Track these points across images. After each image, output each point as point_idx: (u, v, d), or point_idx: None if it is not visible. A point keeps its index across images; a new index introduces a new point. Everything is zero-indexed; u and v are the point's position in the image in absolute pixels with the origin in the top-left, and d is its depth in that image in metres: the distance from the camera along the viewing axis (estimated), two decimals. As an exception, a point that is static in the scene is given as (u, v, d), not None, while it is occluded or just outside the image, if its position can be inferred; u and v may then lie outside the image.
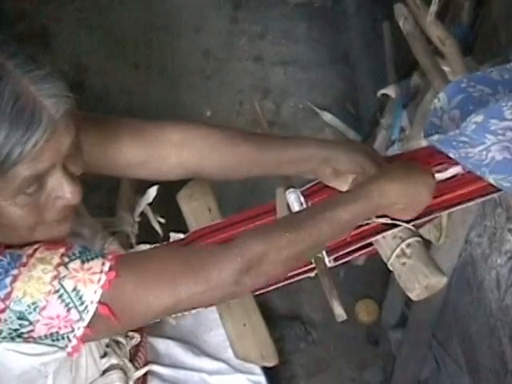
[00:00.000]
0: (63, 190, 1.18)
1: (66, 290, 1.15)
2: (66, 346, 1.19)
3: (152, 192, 1.78)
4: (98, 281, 1.16)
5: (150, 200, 1.80)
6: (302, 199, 1.54)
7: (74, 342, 1.18)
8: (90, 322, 1.17)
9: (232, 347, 1.71)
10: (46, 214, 1.19)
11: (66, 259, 1.16)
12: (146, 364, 1.60)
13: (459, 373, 2.16)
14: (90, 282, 1.16)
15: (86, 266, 1.17)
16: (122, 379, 1.46)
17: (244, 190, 3.01)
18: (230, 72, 3.50)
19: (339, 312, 1.40)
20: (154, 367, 1.66)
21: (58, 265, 1.15)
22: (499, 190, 1.49)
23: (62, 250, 1.18)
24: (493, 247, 1.86)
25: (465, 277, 2.04)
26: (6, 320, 1.14)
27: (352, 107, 3.31)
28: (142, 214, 1.83)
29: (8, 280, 1.13)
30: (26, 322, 1.15)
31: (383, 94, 2.33)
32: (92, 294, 1.16)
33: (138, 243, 1.72)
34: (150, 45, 3.58)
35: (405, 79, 2.23)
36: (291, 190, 1.56)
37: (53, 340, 1.18)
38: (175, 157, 1.45)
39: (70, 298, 1.15)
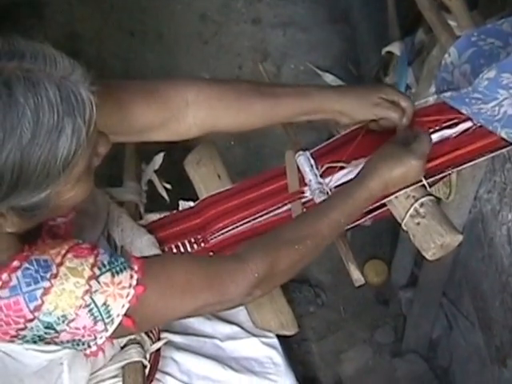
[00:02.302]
0: (99, 148, 1.22)
1: (96, 305, 1.17)
2: (85, 350, 1.22)
3: (158, 159, 1.77)
4: (127, 295, 1.19)
5: (157, 167, 1.78)
6: (312, 161, 1.53)
7: (94, 348, 1.21)
8: (112, 332, 1.20)
9: (250, 317, 1.70)
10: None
11: (97, 271, 1.17)
12: (159, 333, 1.61)
13: (471, 330, 2.16)
14: (119, 296, 1.18)
15: (116, 279, 1.19)
16: (140, 353, 1.50)
17: (247, 154, 2.99)
18: (228, 35, 3.45)
19: (357, 276, 1.40)
20: (167, 335, 1.65)
21: (90, 278, 1.16)
22: (510, 145, 1.48)
23: (91, 260, 1.18)
24: (503, 203, 1.85)
25: (475, 233, 2.03)
26: (32, 328, 1.16)
27: (353, 67, 3.27)
28: (147, 183, 1.81)
29: (39, 292, 1.14)
30: (52, 331, 1.17)
31: (386, 52, 2.30)
32: (120, 308, 1.19)
33: (147, 212, 1.70)
34: (145, 10, 3.51)
35: (408, 36, 2.20)
36: (301, 152, 1.55)
37: (73, 345, 1.21)
38: (191, 117, 1.45)
39: (99, 311, 1.17)
